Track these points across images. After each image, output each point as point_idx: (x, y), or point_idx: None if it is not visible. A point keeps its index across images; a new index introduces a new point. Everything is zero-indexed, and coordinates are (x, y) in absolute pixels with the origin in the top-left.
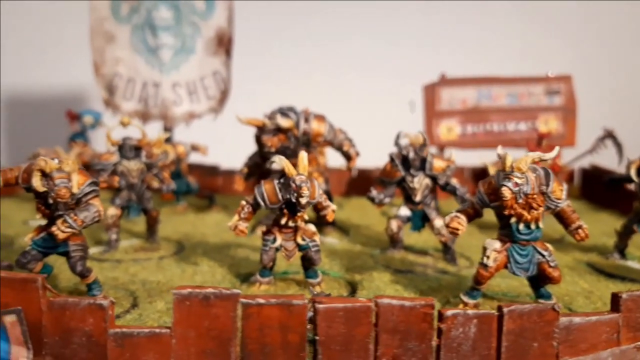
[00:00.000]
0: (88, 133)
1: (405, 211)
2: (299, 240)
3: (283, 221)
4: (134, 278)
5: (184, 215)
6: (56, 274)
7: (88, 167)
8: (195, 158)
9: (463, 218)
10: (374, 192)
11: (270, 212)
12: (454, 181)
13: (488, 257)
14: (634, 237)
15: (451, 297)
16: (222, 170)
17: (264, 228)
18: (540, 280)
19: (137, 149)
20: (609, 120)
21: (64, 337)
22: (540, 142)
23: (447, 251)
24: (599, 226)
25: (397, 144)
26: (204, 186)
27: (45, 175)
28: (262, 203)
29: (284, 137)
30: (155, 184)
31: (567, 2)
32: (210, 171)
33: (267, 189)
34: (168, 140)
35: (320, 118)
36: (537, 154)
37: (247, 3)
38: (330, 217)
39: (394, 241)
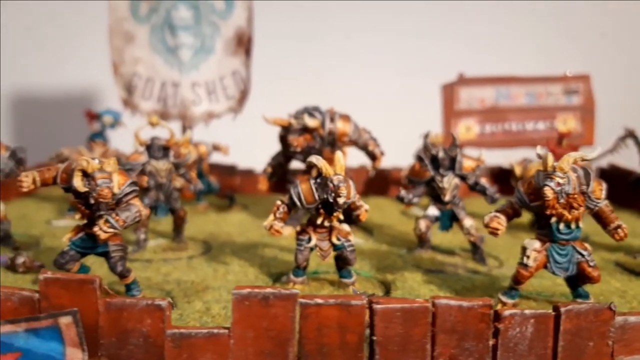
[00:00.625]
0: (107, 132)
1: (433, 211)
2: (334, 240)
3: (319, 221)
4: (167, 278)
5: (205, 214)
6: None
7: None
8: (213, 157)
9: (503, 218)
10: (403, 192)
11: (293, 212)
12: (483, 181)
13: (528, 257)
14: None
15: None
16: (239, 170)
17: (298, 228)
18: (578, 280)
19: (165, 149)
20: (627, 120)
21: (120, 338)
22: (560, 141)
23: (476, 251)
24: None
25: (425, 144)
26: (221, 186)
27: (86, 175)
28: (298, 203)
29: (309, 137)
30: (177, 183)
31: (586, 1)
32: (228, 171)
33: (304, 188)
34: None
35: (346, 117)
36: (579, 154)
37: (267, 3)
38: (363, 217)
39: (422, 241)
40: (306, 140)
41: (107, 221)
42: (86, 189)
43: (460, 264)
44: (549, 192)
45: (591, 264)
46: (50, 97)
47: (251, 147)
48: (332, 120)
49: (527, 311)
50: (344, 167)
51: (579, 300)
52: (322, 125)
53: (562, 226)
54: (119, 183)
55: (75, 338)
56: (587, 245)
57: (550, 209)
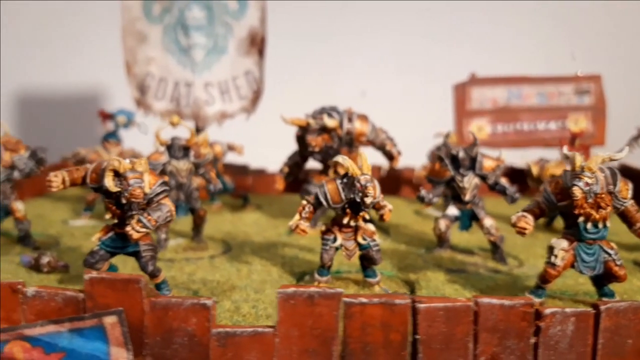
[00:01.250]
0: (120, 132)
1: (453, 211)
2: (360, 239)
3: (345, 220)
4: (192, 277)
5: (220, 214)
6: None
7: None
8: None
9: (530, 217)
10: (423, 192)
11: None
12: (503, 180)
13: (556, 256)
14: None
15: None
16: (251, 169)
17: (323, 227)
18: (605, 279)
19: (186, 149)
20: (638, 120)
21: (165, 337)
22: (573, 141)
23: (496, 251)
24: None
25: (445, 143)
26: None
27: (117, 175)
28: (324, 203)
29: (327, 137)
30: (194, 183)
31: (597, 1)
32: (240, 171)
33: (330, 188)
34: None
35: (363, 118)
36: (607, 154)
37: (280, 3)
38: (387, 217)
39: (441, 240)
40: (324, 140)
41: (139, 221)
42: (118, 189)
43: (480, 264)
44: (577, 192)
45: (618, 262)
46: (58, 97)
47: (263, 147)
48: (350, 120)
49: (567, 309)
50: (370, 167)
51: (605, 299)
52: (340, 125)
53: (589, 225)
54: (149, 183)
55: (120, 337)
56: (613, 244)
57: (578, 208)
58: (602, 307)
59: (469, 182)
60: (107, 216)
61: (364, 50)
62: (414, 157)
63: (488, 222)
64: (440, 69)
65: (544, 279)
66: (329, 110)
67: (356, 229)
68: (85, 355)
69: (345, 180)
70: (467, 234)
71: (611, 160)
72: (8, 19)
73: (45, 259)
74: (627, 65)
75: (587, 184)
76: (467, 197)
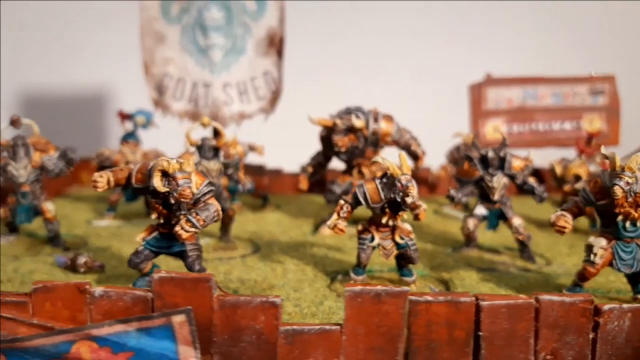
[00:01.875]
0: (139, 133)
1: (481, 210)
2: (397, 239)
3: (384, 220)
4: (229, 277)
5: (240, 214)
6: None
7: None
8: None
9: (569, 217)
10: (453, 191)
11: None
12: (531, 180)
13: (595, 255)
14: None
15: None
16: (268, 170)
17: (360, 227)
18: None
19: (216, 149)
20: None
21: (233, 335)
22: (589, 141)
23: (524, 249)
24: None
25: (474, 144)
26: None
27: (165, 175)
28: (363, 202)
29: (354, 137)
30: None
31: (612, 2)
32: (256, 171)
33: (370, 188)
34: None
35: (389, 118)
36: None
37: (299, 3)
38: (422, 216)
39: (468, 240)
40: (350, 140)
41: (188, 220)
42: (166, 189)
43: (509, 262)
44: (618, 191)
45: None
46: (77, 96)
47: (279, 147)
48: (375, 120)
49: (624, 305)
50: (410, 167)
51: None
52: (367, 126)
53: (628, 224)
54: (197, 183)
55: (188, 336)
56: None
57: (619, 207)
58: None
59: (498, 181)
60: (153, 216)
61: (381, 50)
62: (429, 157)
63: (517, 221)
64: (456, 69)
65: (583, 277)
66: (355, 111)
67: (393, 229)
68: (153, 354)
69: (384, 180)
70: (491, 233)
71: None
72: (30, 17)
73: (82, 259)
74: None
75: (627, 183)
76: (496, 197)
